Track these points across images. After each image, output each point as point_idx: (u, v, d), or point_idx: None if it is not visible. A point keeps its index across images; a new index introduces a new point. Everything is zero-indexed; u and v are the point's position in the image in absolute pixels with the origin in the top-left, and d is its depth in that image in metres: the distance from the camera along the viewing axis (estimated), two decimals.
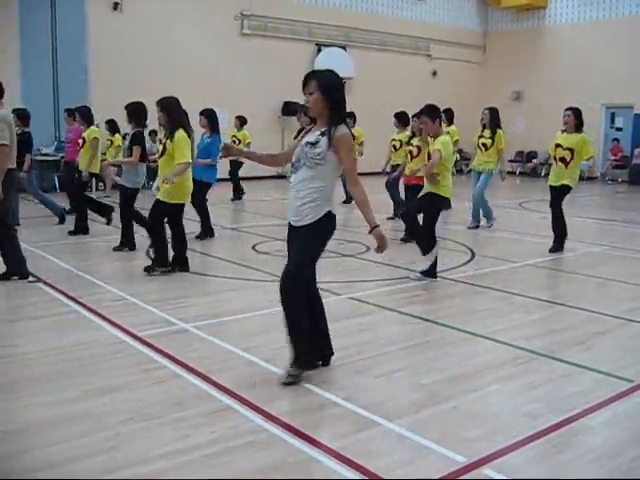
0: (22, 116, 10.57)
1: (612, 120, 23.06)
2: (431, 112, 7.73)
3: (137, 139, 8.89)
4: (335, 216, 4.64)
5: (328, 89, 4.48)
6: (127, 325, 5.84)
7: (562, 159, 9.37)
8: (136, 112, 8.87)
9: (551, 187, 9.51)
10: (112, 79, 16.87)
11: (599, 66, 22.23)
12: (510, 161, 24.33)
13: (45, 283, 7.34)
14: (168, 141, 7.66)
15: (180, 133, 7.63)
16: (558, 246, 9.43)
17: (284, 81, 19.61)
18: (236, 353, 5.20)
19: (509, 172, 24.14)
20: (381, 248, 4.54)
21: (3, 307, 6.67)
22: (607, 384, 4.72)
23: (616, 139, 22.42)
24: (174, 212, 7.91)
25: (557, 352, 5.33)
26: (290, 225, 4.67)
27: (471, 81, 25.09)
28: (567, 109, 9.54)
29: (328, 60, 21.27)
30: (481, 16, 25.96)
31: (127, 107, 8.96)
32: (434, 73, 24.46)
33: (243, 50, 19.73)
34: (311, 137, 4.54)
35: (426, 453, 3.67)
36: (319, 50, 21.47)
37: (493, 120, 11.22)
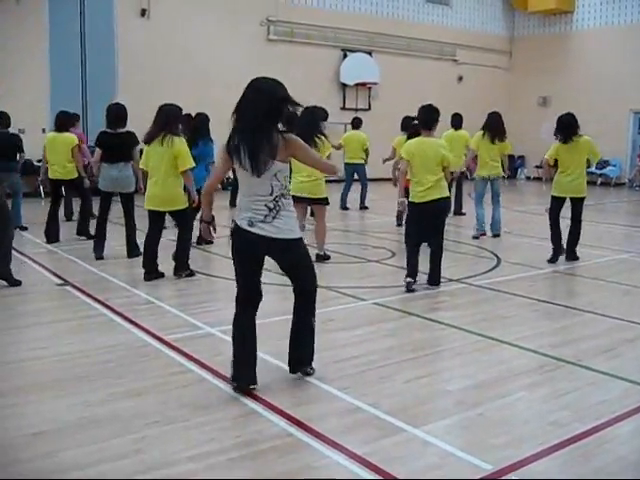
0: None
1: None
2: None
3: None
4: (240, 228, 4.51)
5: None
6: (154, 329, 5.89)
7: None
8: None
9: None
10: (140, 85, 17.02)
11: (627, 71, 22.01)
12: (536, 167, 24.19)
13: (72, 286, 7.42)
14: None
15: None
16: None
17: (310, 86, 19.65)
18: (261, 357, 5.18)
19: (535, 178, 24.03)
20: None
21: (31, 310, 6.74)
22: (635, 393, 4.67)
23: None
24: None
25: (584, 360, 5.29)
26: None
27: (497, 86, 24.96)
28: None
29: (354, 65, 21.37)
30: (507, 21, 25.83)
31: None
32: (460, 78, 24.38)
33: (269, 56, 19.78)
34: None
35: (452, 460, 3.66)
36: (345, 55, 21.51)
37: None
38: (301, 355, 4.82)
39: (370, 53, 21.94)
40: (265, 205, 4.43)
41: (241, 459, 3.63)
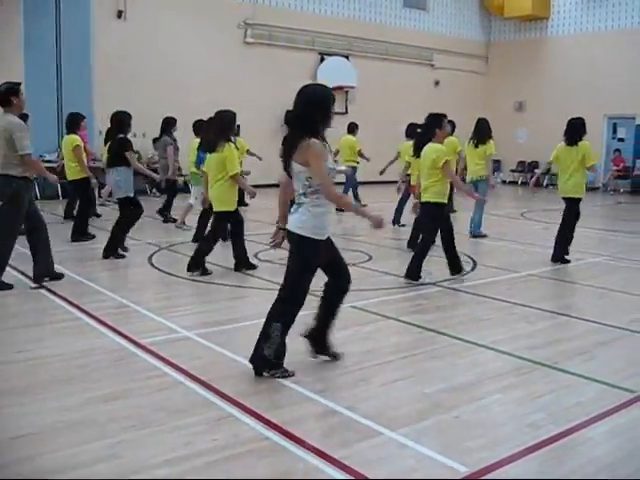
0: None
1: (614, 131, 23.09)
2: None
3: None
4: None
5: None
6: (130, 332, 5.85)
7: None
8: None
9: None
10: (116, 87, 16.91)
11: (601, 77, 22.28)
12: (512, 171, 24.39)
13: (48, 290, 7.36)
14: None
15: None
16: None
17: (287, 90, 19.65)
18: (239, 361, 5.20)
19: (511, 182, 24.22)
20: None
21: (6, 314, 6.67)
22: (609, 395, 4.71)
23: (618, 150, 22.44)
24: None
25: (559, 362, 5.33)
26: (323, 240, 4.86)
27: (474, 91, 25.12)
28: None
29: (331, 69, 21.40)
30: (484, 26, 26.03)
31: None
32: (437, 83, 24.51)
33: (246, 59, 19.78)
34: None
35: (428, 463, 3.67)
36: (322, 59, 21.55)
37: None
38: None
39: (347, 57, 22.00)
40: (296, 201, 4.83)
41: (217, 463, 3.62)
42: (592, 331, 6.27)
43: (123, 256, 9.21)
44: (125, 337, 5.75)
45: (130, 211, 9.31)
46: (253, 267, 8.60)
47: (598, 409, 4.43)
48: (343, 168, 10.08)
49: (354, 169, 15.10)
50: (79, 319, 6.34)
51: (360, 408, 4.34)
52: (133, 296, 7.18)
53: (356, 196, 15.10)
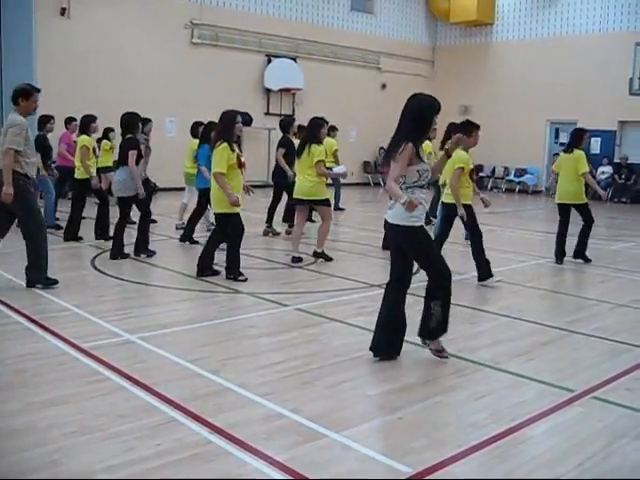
0: None
1: (557, 136, 23.57)
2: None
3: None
4: None
5: None
6: (71, 336, 5.74)
7: None
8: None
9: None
10: (59, 86, 16.58)
11: (544, 82, 22.74)
12: None
13: None
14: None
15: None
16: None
17: (234, 91, 19.63)
18: (182, 365, 5.15)
19: None
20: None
21: None
22: (549, 394, 4.81)
23: (557, 154, 22.86)
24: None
25: (501, 363, 5.42)
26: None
27: None
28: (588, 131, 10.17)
29: (278, 71, 21.39)
30: (430, 31, 26.35)
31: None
32: (383, 86, 24.71)
33: (193, 59, 19.65)
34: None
35: (371, 464, 3.69)
36: (269, 61, 21.52)
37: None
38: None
39: (294, 59, 22.02)
40: None
41: (160, 468, 3.57)
42: (533, 332, 6.38)
43: (150, 255, 9.39)
44: (66, 341, 5.64)
45: (143, 211, 9.46)
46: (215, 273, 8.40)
47: (538, 408, 4.52)
48: (340, 171, 9.94)
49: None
50: (18, 323, 6.19)
51: (304, 410, 4.34)
52: (74, 299, 7.04)
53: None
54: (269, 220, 11.85)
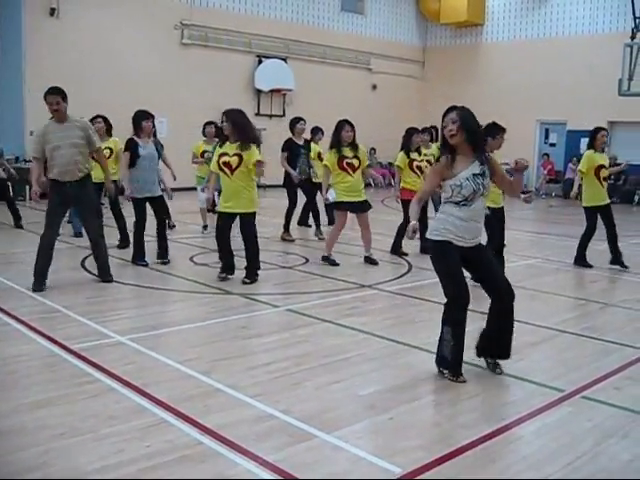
0: None
1: (546, 136, 23.66)
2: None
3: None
4: None
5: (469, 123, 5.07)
6: (60, 338, 5.72)
7: (605, 178, 9.87)
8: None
9: (607, 205, 9.94)
10: (48, 86, 16.47)
11: (533, 83, 22.82)
12: None
13: None
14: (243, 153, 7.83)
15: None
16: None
17: (225, 91, 19.60)
18: (172, 366, 5.15)
19: None
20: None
21: None
22: (538, 394, 4.82)
23: (546, 154, 23.02)
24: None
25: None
26: (461, 248, 5.01)
27: (410, 95, 25.44)
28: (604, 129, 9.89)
29: (268, 71, 21.38)
30: (420, 31, 26.39)
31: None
32: (374, 87, 24.73)
33: (183, 60, 19.61)
34: (474, 169, 4.93)
35: (362, 464, 3.69)
36: (260, 61, 21.51)
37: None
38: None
39: (285, 59, 22.01)
40: None
41: (151, 469, 3.57)
42: (523, 332, 6.38)
43: (165, 262, 9.11)
44: (56, 342, 5.62)
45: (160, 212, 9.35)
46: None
47: (528, 408, 4.53)
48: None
49: None
50: (7, 324, 6.17)
51: (295, 411, 4.34)
52: (64, 300, 7.02)
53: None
54: (286, 226, 11.52)
